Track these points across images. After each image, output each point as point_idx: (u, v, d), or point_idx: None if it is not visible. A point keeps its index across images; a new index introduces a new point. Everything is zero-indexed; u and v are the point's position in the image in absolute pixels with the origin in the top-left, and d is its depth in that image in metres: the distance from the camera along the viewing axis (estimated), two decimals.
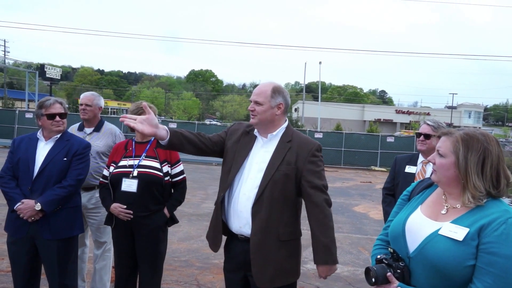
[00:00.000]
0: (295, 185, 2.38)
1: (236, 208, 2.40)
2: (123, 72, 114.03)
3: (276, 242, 2.32)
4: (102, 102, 3.84)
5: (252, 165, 2.42)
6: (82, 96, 3.80)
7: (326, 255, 2.30)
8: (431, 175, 1.79)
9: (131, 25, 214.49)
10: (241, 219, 2.38)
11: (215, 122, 43.91)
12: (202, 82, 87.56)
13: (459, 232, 1.55)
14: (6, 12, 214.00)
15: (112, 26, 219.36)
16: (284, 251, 2.36)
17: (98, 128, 3.76)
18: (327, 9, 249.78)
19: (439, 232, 1.60)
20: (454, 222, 1.61)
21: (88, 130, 3.74)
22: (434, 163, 1.70)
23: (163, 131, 2.24)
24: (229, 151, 2.50)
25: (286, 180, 2.34)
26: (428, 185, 1.85)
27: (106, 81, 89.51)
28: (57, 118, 2.99)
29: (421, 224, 1.68)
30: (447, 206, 1.69)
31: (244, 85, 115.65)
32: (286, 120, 2.53)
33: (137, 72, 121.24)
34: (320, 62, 36.11)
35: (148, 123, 2.19)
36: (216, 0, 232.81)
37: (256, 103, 2.41)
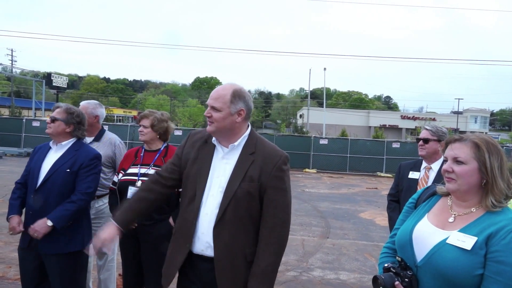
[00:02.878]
0: (260, 202, 2.11)
1: (198, 230, 2.11)
2: (129, 80, 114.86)
3: (244, 263, 2.09)
4: (98, 111, 3.68)
5: (213, 179, 2.13)
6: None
7: (263, 283, 2.06)
8: (437, 183, 1.78)
9: (136, 33, 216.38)
10: (202, 242, 2.10)
11: None
12: (207, 89, 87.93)
13: (467, 241, 1.55)
14: (12, 21, 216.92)
15: (118, 35, 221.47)
16: None
17: (98, 138, 3.67)
18: (332, 16, 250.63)
19: (447, 241, 1.59)
20: (461, 230, 1.60)
21: (88, 139, 3.62)
22: (451, 172, 1.66)
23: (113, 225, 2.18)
24: (190, 176, 2.19)
25: (249, 198, 2.07)
26: (434, 193, 1.84)
27: (112, 89, 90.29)
28: (48, 120, 3.04)
29: (428, 233, 1.67)
30: (454, 214, 1.68)
31: (249, 92, 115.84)
32: (248, 127, 2.23)
33: (143, 80, 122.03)
34: (325, 68, 36.14)
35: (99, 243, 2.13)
36: (221, 7, 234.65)
37: (213, 108, 2.10)
